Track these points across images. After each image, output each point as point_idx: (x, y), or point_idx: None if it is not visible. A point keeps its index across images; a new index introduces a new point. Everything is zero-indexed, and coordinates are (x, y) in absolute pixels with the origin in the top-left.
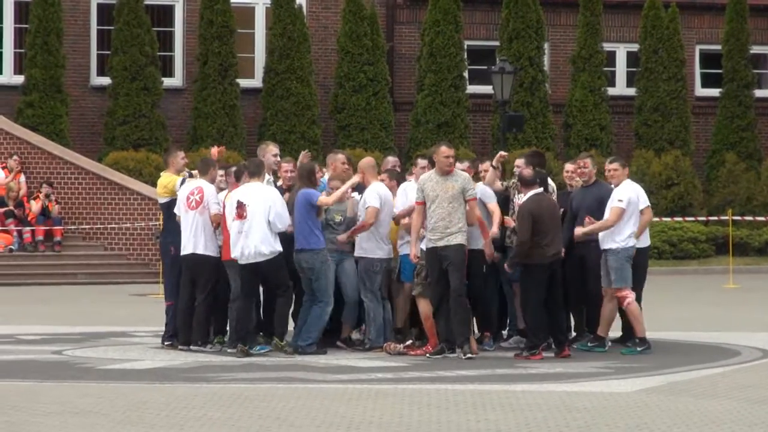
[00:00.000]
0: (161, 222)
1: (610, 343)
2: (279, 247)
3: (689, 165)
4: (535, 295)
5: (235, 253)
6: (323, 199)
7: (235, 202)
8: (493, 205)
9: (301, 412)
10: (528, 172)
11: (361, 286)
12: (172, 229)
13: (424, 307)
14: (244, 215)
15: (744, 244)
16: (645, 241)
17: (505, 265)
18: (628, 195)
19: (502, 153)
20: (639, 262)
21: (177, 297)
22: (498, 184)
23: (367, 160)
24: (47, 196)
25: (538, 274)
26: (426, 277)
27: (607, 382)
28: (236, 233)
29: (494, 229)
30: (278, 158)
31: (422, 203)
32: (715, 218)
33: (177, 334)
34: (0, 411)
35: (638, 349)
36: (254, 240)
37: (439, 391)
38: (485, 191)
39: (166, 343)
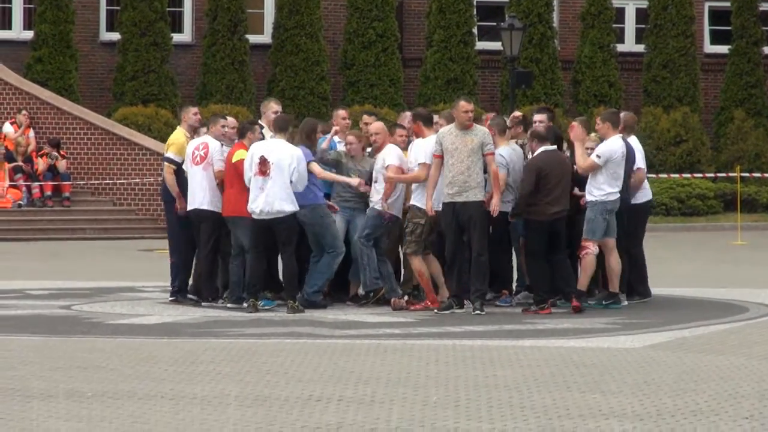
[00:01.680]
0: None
1: (626, 301)
2: (297, 206)
3: (698, 122)
4: (534, 250)
5: (253, 208)
6: (314, 167)
7: (258, 158)
8: (496, 168)
9: (309, 367)
10: (542, 127)
11: (359, 231)
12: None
13: (418, 264)
14: (267, 172)
15: (752, 200)
16: (644, 196)
17: (509, 216)
18: (610, 150)
19: (516, 114)
20: (638, 217)
21: (179, 253)
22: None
23: (377, 126)
24: (49, 155)
25: (539, 229)
26: (421, 234)
27: (615, 338)
28: (257, 188)
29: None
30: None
31: (440, 156)
32: (723, 175)
33: (181, 290)
34: (9, 366)
35: (603, 302)
36: (276, 197)
37: (447, 346)
38: (496, 159)
39: (170, 299)
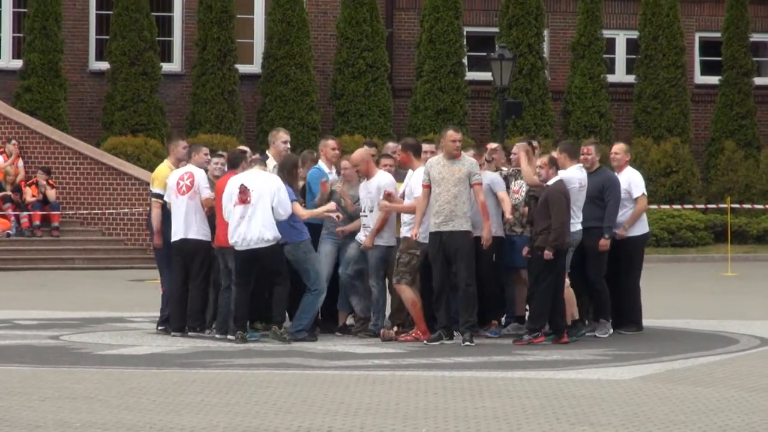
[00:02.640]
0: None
1: (611, 329)
2: (279, 234)
3: (688, 152)
4: (548, 280)
5: (234, 239)
6: (298, 209)
7: (238, 187)
8: (503, 193)
9: (298, 398)
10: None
11: (374, 274)
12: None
13: (408, 294)
14: (248, 200)
15: (742, 232)
16: (641, 229)
17: (525, 249)
18: (566, 176)
19: (491, 144)
20: (635, 250)
21: (170, 283)
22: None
23: (360, 154)
24: (46, 182)
25: (560, 258)
26: (416, 265)
27: (605, 370)
28: (238, 218)
29: (508, 216)
30: (288, 146)
31: (428, 186)
32: (714, 206)
33: (169, 320)
34: None
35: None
36: (257, 225)
37: (437, 377)
38: (494, 179)
39: (159, 328)
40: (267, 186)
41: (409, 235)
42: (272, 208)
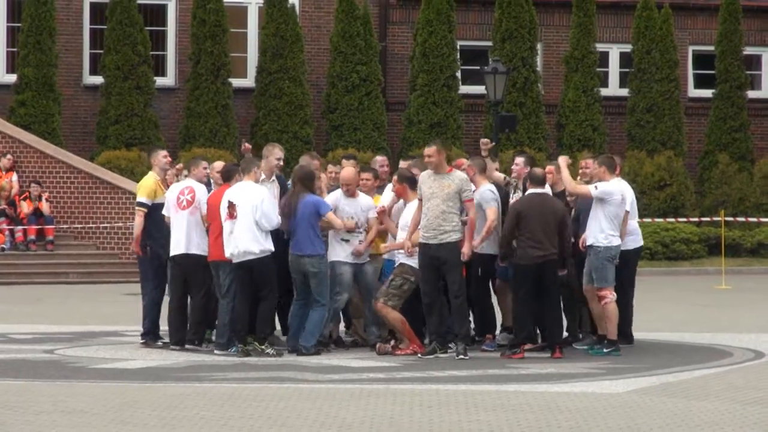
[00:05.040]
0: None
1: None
2: (270, 247)
3: (682, 166)
4: (519, 295)
5: (227, 253)
6: (333, 218)
7: (227, 202)
8: (492, 211)
9: (293, 412)
10: (540, 170)
11: (374, 288)
12: (149, 229)
13: (393, 314)
14: (234, 215)
15: (736, 245)
16: (634, 243)
17: (497, 260)
18: (609, 188)
19: (484, 140)
20: (628, 264)
21: (148, 296)
22: (497, 174)
23: (351, 173)
24: (38, 196)
25: (523, 274)
26: (407, 291)
27: (599, 383)
28: (228, 233)
29: (476, 241)
30: (281, 162)
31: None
32: (708, 219)
33: (151, 332)
34: None
35: (605, 350)
36: (243, 239)
37: (431, 391)
38: (484, 195)
39: (141, 341)
40: (250, 200)
41: (410, 263)
42: (256, 221)
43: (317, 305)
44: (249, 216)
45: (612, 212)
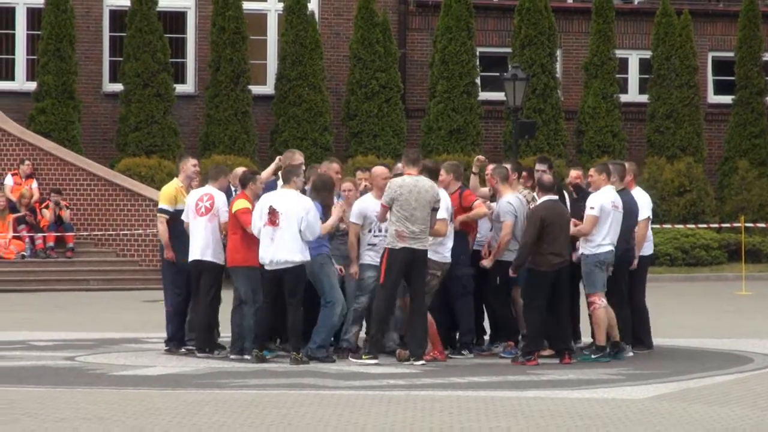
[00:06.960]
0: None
1: (631, 353)
2: (307, 257)
3: (701, 172)
4: (537, 302)
5: (264, 258)
6: (327, 225)
7: (267, 208)
8: (507, 225)
9: (313, 418)
10: (548, 177)
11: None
12: (171, 235)
13: (428, 316)
14: (276, 222)
15: (756, 251)
16: (645, 250)
17: (510, 270)
18: (600, 202)
19: (480, 157)
20: (637, 270)
21: (172, 302)
22: (482, 190)
23: (379, 171)
24: (57, 204)
25: (543, 280)
26: (435, 286)
27: (620, 389)
28: (267, 239)
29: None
30: (302, 167)
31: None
32: (728, 225)
33: (174, 339)
34: (12, 417)
35: (593, 356)
36: (285, 248)
37: (451, 397)
38: (502, 207)
39: (165, 349)
40: (295, 209)
41: (434, 258)
42: (300, 231)
43: (323, 305)
44: (293, 225)
45: (603, 220)
